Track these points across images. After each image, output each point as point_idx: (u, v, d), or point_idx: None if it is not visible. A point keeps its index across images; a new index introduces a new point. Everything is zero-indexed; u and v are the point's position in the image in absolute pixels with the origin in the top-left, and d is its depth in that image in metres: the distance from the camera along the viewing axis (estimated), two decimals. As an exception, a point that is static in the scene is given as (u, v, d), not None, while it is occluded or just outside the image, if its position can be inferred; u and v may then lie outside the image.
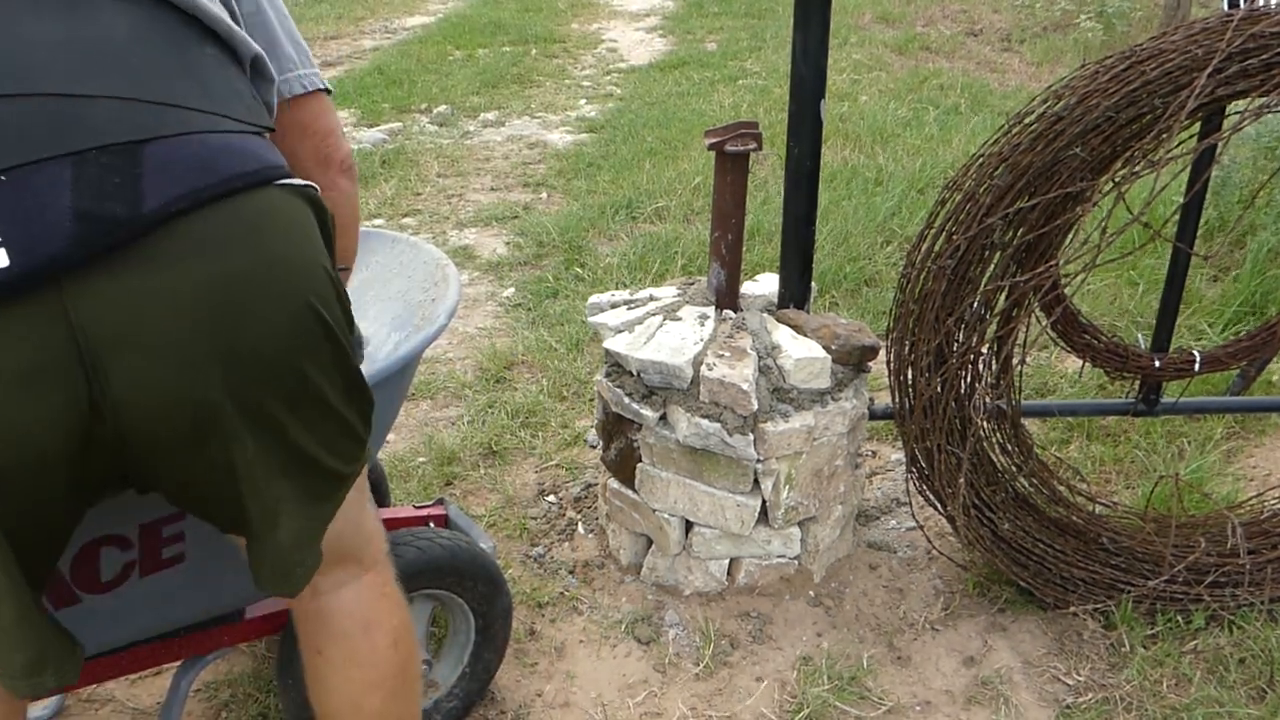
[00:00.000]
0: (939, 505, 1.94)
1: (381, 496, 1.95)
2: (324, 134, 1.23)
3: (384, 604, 1.20)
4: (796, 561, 1.99)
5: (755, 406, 1.79)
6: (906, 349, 1.81)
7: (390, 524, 1.74)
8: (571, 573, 2.07)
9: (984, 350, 1.80)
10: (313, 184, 0.95)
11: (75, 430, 0.82)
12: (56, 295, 0.77)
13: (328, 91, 1.24)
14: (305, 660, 1.21)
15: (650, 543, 2.03)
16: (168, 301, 0.81)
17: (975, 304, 1.74)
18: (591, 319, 2.05)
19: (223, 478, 0.92)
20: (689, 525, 1.97)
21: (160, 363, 0.82)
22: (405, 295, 1.64)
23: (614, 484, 2.04)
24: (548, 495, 2.32)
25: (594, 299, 2.13)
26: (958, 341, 1.76)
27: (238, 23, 1.03)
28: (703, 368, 1.83)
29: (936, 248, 1.73)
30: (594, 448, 2.42)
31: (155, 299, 0.80)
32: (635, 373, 1.89)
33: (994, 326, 1.79)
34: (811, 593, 2.00)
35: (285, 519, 0.98)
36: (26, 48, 0.79)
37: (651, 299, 2.09)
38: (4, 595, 0.87)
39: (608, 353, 1.95)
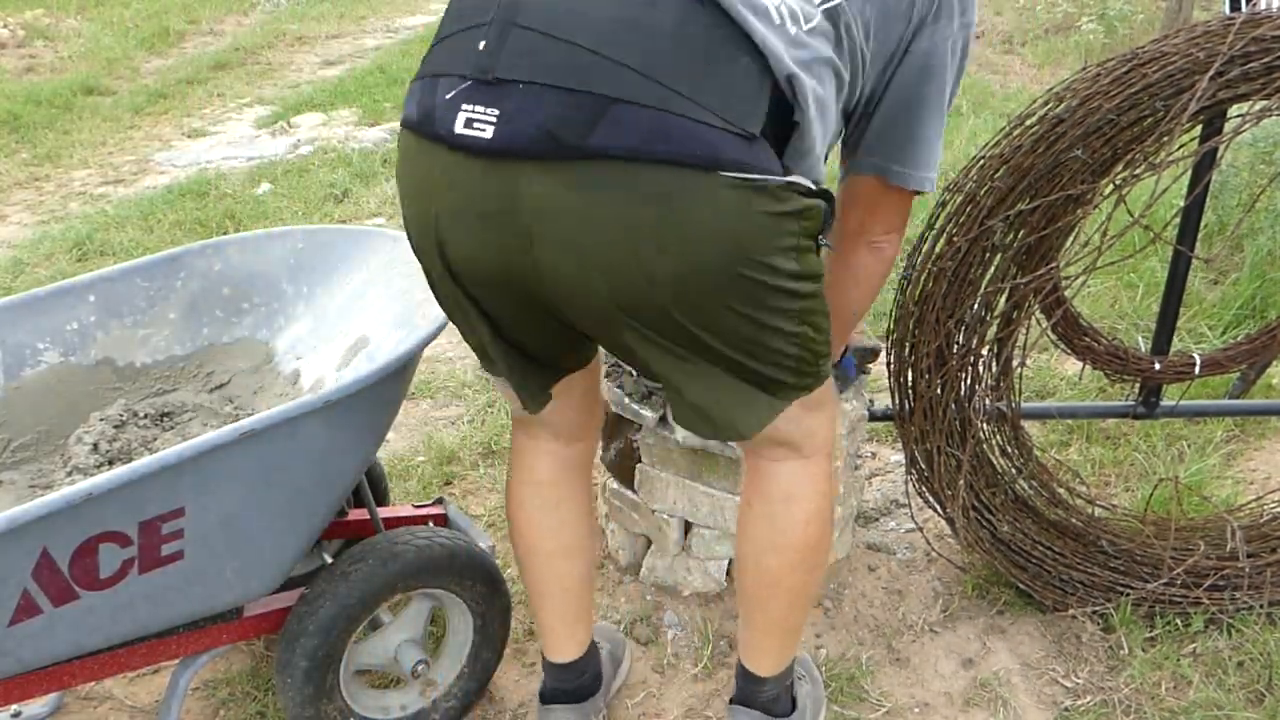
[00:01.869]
0: (938, 507, 1.94)
1: (381, 496, 1.95)
2: (880, 220, 1.42)
3: (810, 485, 1.38)
4: (795, 562, 1.98)
5: (755, 407, 1.79)
6: (906, 350, 1.81)
7: (389, 523, 1.74)
8: (570, 573, 2.07)
9: (984, 352, 1.80)
10: (781, 179, 1.09)
11: (513, 269, 1.13)
12: (520, 171, 1.06)
13: (917, 192, 1.41)
14: (740, 508, 1.46)
15: (649, 543, 2.03)
16: (578, 215, 1.06)
17: (975, 306, 1.74)
18: (592, 319, 2.05)
19: (621, 351, 1.26)
20: (688, 526, 1.97)
21: (565, 256, 1.09)
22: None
23: (613, 484, 2.04)
24: (547, 495, 2.32)
25: (594, 299, 2.12)
26: (958, 343, 1.76)
27: (855, 65, 1.20)
28: (703, 368, 1.82)
29: (937, 249, 1.73)
30: (593, 448, 2.42)
31: (571, 210, 1.06)
32: (635, 373, 1.89)
33: (994, 328, 1.79)
34: (810, 594, 2.00)
35: (688, 389, 1.22)
36: (593, 16, 1.05)
37: (652, 299, 2.09)
38: (498, 355, 1.31)
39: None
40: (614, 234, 1.06)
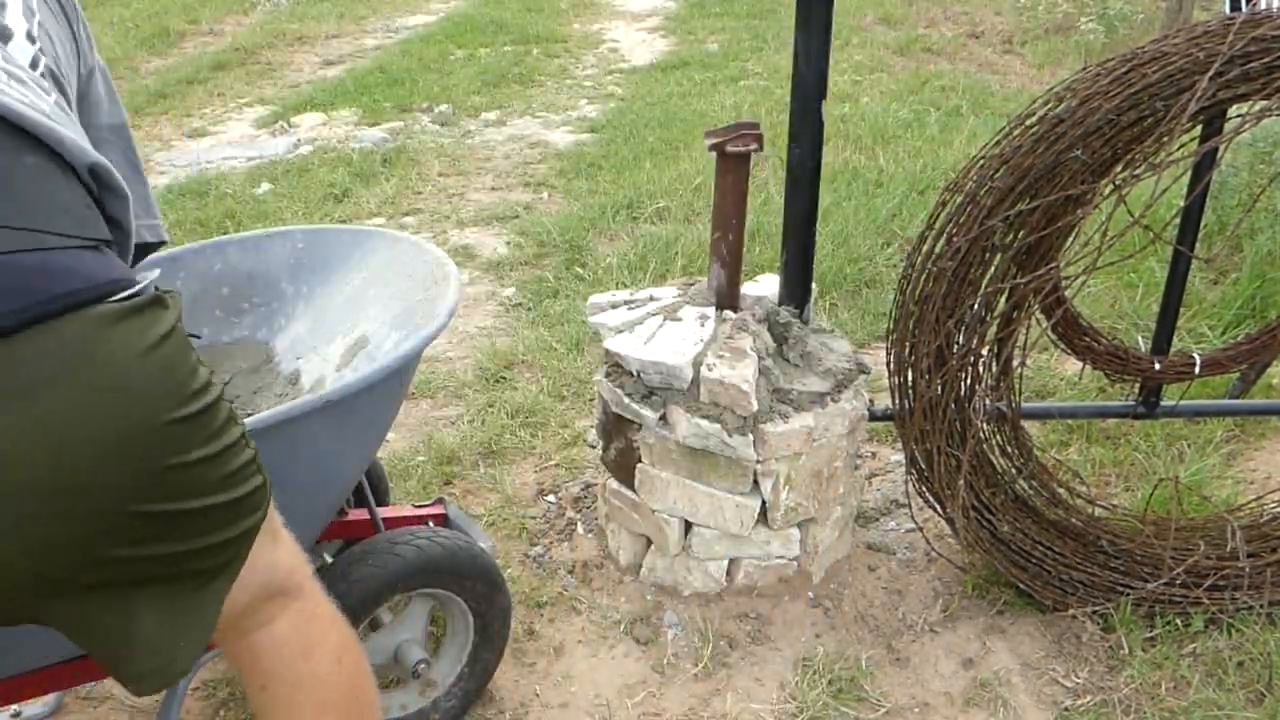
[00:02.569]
0: (938, 507, 1.94)
1: (381, 495, 1.95)
2: None
3: (317, 625, 1.13)
4: (795, 562, 1.99)
5: (755, 407, 1.79)
6: (906, 350, 1.81)
7: (389, 523, 1.74)
8: (570, 573, 2.07)
9: (984, 352, 1.80)
10: (159, 288, 0.87)
11: None
12: None
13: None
14: (252, 700, 1.13)
15: (649, 543, 2.03)
16: None
17: (975, 306, 1.74)
18: (591, 319, 2.05)
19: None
20: (688, 526, 1.97)
21: None
22: (406, 294, 1.64)
23: (614, 484, 2.04)
24: (547, 495, 2.32)
25: (594, 299, 2.13)
26: (958, 343, 1.76)
27: (81, 115, 0.96)
28: (703, 368, 1.83)
29: (937, 249, 1.73)
30: (594, 448, 2.42)
31: None
32: (635, 373, 1.89)
33: (994, 328, 1.79)
34: (810, 594, 2.00)
35: (141, 627, 0.91)
36: None
37: (652, 299, 2.09)
38: None
39: (608, 353, 1.95)
40: (22, 447, 0.76)
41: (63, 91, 0.93)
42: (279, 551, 1.09)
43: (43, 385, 0.75)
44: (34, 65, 0.90)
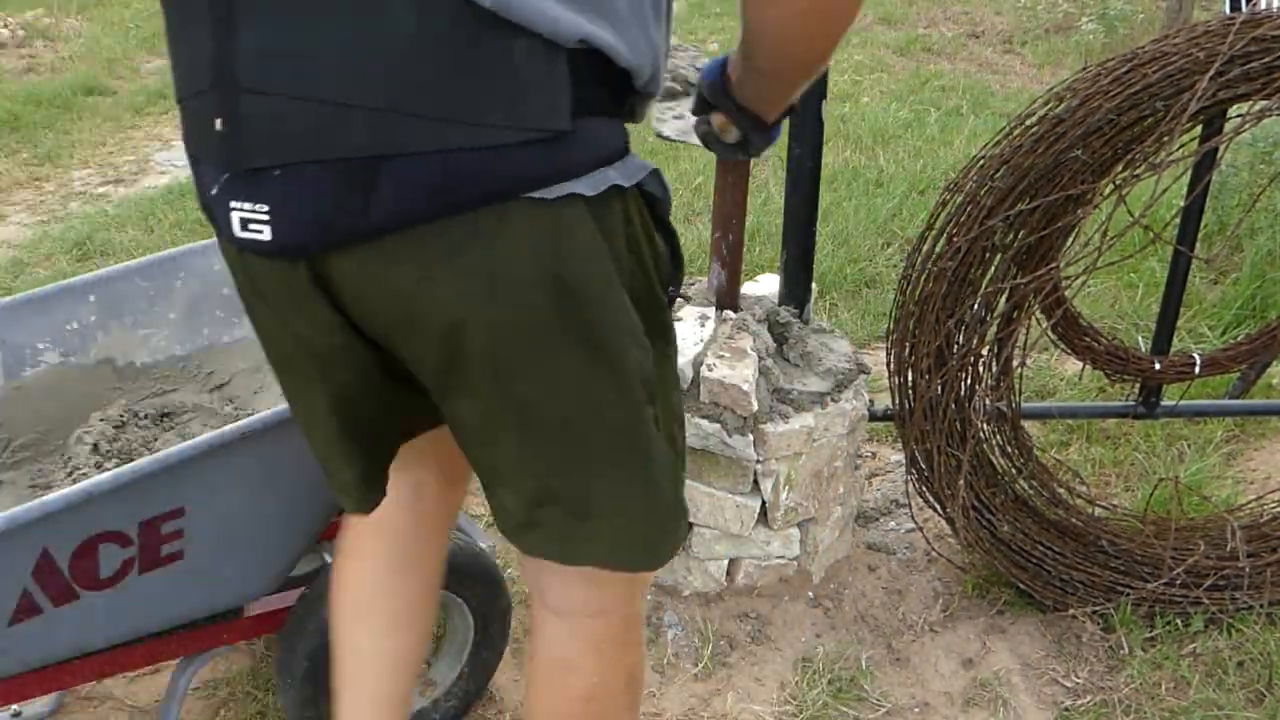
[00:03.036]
0: (938, 507, 1.94)
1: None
2: None
3: (593, 656, 1.13)
4: (796, 562, 1.99)
5: (755, 407, 1.79)
6: (907, 351, 1.81)
7: (389, 523, 1.74)
8: (570, 572, 2.07)
9: (984, 352, 1.80)
10: (578, 192, 0.91)
11: (340, 342, 0.98)
12: (310, 265, 0.91)
13: None
14: (530, 665, 1.19)
15: (649, 543, 2.03)
16: (385, 296, 0.92)
17: (976, 306, 1.74)
18: (592, 319, 2.05)
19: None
20: (688, 526, 1.97)
21: (387, 332, 0.95)
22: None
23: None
24: (547, 495, 2.31)
25: (594, 299, 2.12)
26: (958, 343, 1.76)
27: None
28: (703, 368, 1.83)
29: (937, 249, 1.73)
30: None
31: (376, 292, 0.92)
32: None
33: (994, 328, 1.79)
34: (810, 594, 2.00)
35: (523, 484, 1.04)
36: (317, 49, 0.84)
37: (652, 299, 2.09)
38: (321, 431, 1.07)
39: (608, 353, 1.94)
40: (429, 306, 0.91)
41: None
42: (609, 575, 1.09)
43: (460, 259, 0.88)
44: None
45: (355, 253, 0.89)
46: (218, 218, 0.93)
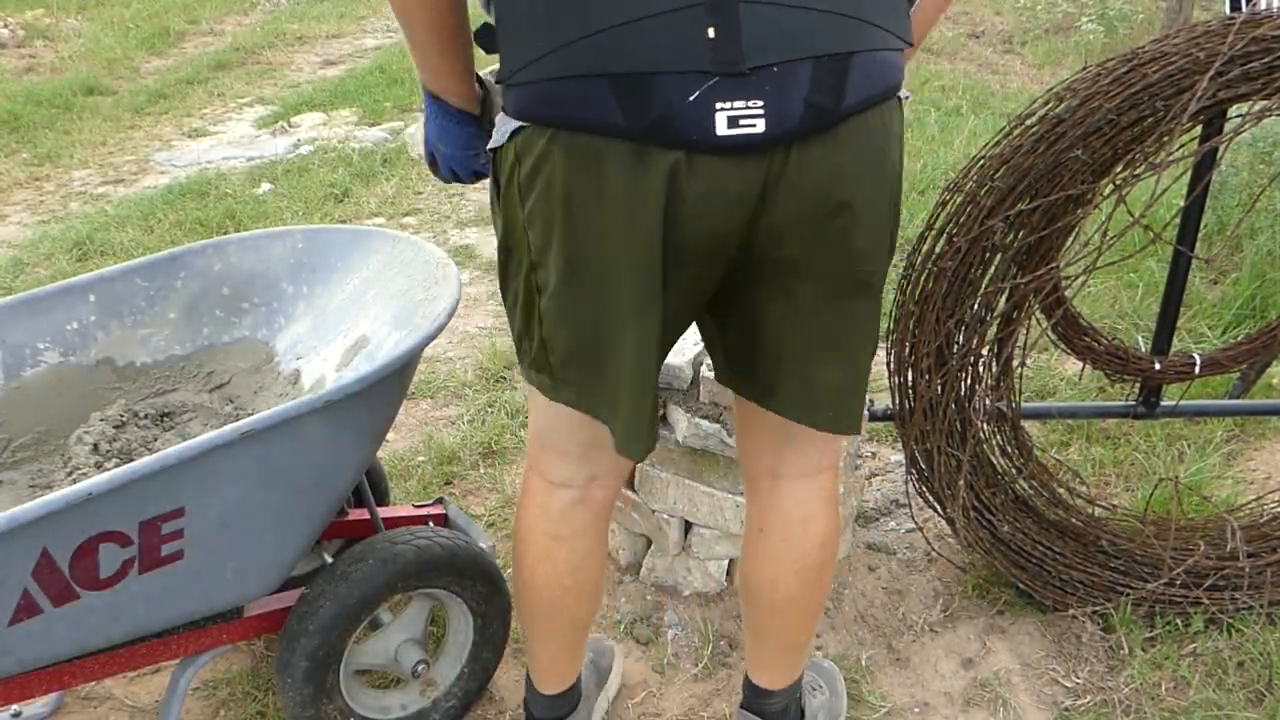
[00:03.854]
0: (938, 507, 1.94)
1: (381, 495, 1.95)
2: None
3: (824, 505, 1.39)
4: (795, 562, 1.98)
5: (755, 407, 1.79)
6: (906, 351, 1.81)
7: (390, 523, 1.74)
8: (570, 572, 2.07)
9: (984, 352, 1.80)
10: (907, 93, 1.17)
11: (746, 237, 1.12)
12: (783, 153, 1.06)
13: None
14: (746, 534, 1.45)
15: (649, 543, 2.03)
16: (835, 174, 1.08)
17: (975, 306, 1.74)
18: (592, 319, 2.05)
19: (782, 307, 1.22)
20: (688, 526, 1.97)
21: (798, 214, 1.10)
22: (406, 294, 1.64)
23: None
24: (547, 495, 2.31)
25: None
26: (958, 343, 1.76)
27: None
28: (702, 368, 1.83)
29: (937, 249, 1.73)
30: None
31: (830, 170, 1.08)
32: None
33: (994, 328, 1.79)
34: (810, 594, 2.00)
35: (831, 366, 1.23)
36: None
37: (652, 299, 2.09)
38: (637, 357, 1.17)
39: (608, 353, 1.94)
40: (849, 177, 1.09)
41: None
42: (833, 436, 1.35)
43: (876, 139, 1.10)
44: None
45: (819, 141, 1.06)
46: (683, 124, 1.02)
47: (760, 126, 1.02)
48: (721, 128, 1.01)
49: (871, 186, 1.11)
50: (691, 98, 1.00)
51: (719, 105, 1.01)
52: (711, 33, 1.00)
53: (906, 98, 1.18)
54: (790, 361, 1.21)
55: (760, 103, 1.01)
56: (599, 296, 1.13)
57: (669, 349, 1.25)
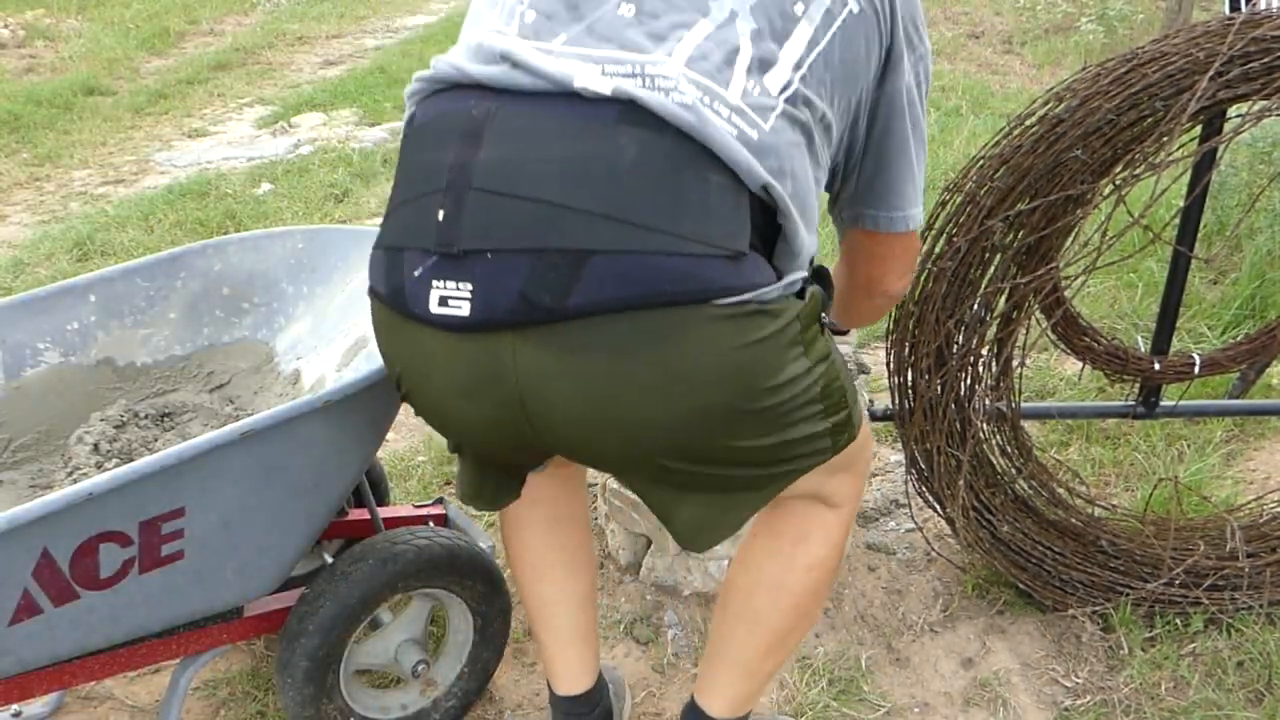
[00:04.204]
0: (938, 507, 1.94)
1: (381, 495, 1.95)
2: (891, 269, 1.39)
3: (824, 533, 1.35)
4: (795, 562, 1.98)
5: (755, 407, 1.79)
6: (906, 351, 1.81)
7: (390, 523, 1.74)
8: (570, 572, 2.07)
9: (984, 352, 1.80)
10: (776, 289, 1.05)
11: (509, 434, 1.11)
12: (501, 341, 1.02)
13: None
14: (746, 537, 1.41)
15: (649, 543, 2.03)
16: (570, 379, 1.02)
17: (975, 306, 1.74)
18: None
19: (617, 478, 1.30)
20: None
21: (561, 420, 1.06)
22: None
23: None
24: (547, 495, 2.32)
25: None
26: (958, 343, 1.76)
27: (825, 135, 1.15)
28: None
29: (937, 249, 1.73)
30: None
31: (561, 374, 1.02)
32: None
33: (994, 329, 1.79)
34: (810, 594, 2.00)
35: (681, 510, 1.18)
36: (546, 164, 1.00)
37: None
38: (470, 465, 1.33)
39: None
40: (611, 392, 1.02)
41: (814, 111, 1.11)
42: (839, 479, 1.31)
43: (647, 349, 1.00)
44: (784, 89, 1.08)
45: (540, 335, 1.00)
46: (409, 297, 1.05)
47: (465, 310, 1.01)
48: (434, 305, 1.03)
49: (639, 395, 1.01)
50: (417, 273, 1.04)
51: (434, 283, 1.03)
52: (440, 214, 1.03)
53: (755, 302, 1.04)
54: (651, 509, 1.22)
55: (469, 286, 1.01)
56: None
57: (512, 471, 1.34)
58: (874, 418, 2.00)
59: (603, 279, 0.97)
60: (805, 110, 1.10)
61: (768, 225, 1.08)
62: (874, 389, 2.59)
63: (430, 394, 1.14)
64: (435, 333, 1.05)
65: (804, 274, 1.12)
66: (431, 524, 1.79)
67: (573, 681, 1.53)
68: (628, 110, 1.00)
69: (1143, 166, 1.60)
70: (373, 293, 1.15)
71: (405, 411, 2.65)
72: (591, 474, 2.35)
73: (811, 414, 1.13)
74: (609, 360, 1.00)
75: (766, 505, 1.21)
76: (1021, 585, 1.92)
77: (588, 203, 0.98)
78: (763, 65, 1.07)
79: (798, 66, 1.08)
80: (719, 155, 1.01)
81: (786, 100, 1.07)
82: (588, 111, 1.01)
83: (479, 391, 1.07)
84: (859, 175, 1.29)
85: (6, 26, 7.17)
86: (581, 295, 0.98)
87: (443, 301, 1.02)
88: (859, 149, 1.26)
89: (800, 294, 1.11)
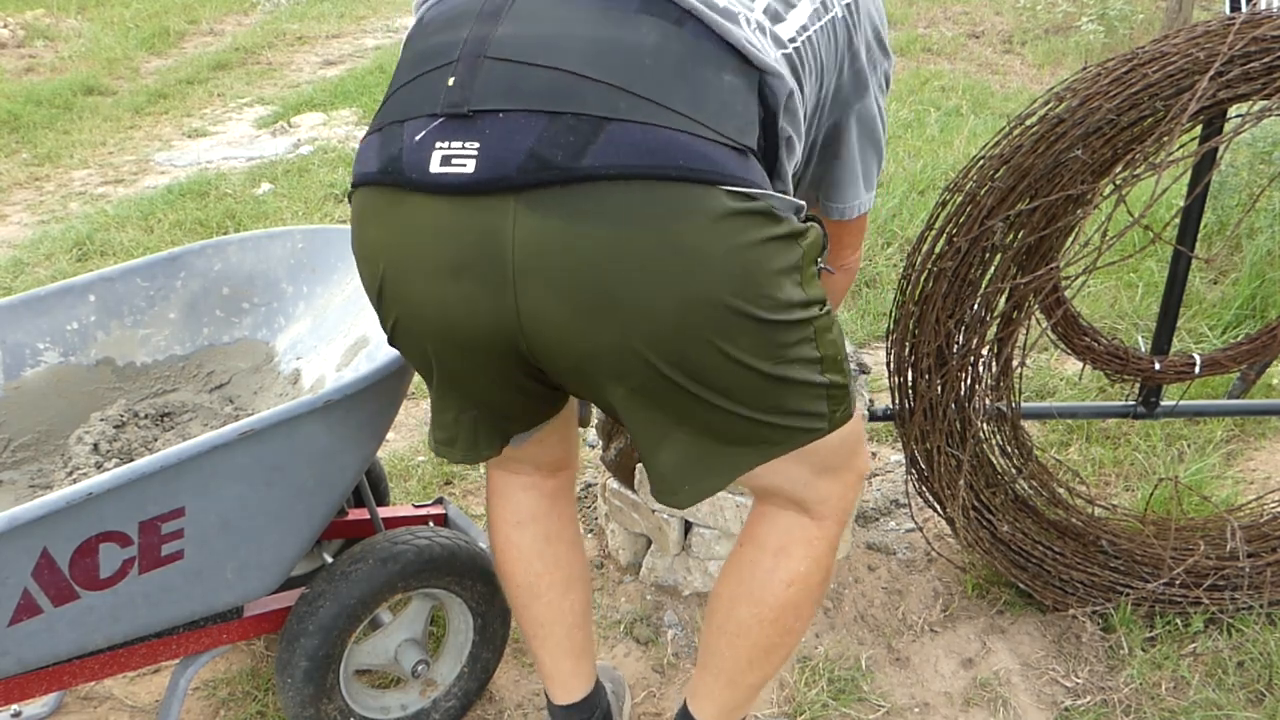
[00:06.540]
0: (938, 507, 1.94)
1: (381, 495, 1.95)
2: (843, 248, 1.47)
3: (806, 547, 1.29)
4: (795, 562, 1.98)
5: (755, 407, 1.79)
6: (906, 351, 1.81)
7: (390, 523, 1.74)
8: (570, 572, 2.07)
9: (984, 352, 1.80)
10: (777, 200, 1.03)
11: (493, 326, 1.04)
12: (504, 207, 0.97)
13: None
14: (734, 545, 1.37)
15: (649, 543, 2.03)
16: (570, 249, 0.97)
17: (975, 306, 1.74)
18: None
19: (603, 404, 1.14)
20: (688, 525, 1.97)
21: (553, 300, 0.99)
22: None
23: (613, 484, 2.04)
24: (547, 495, 2.32)
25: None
26: (958, 343, 1.76)
27: (806, 108, 1.16)
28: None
29: (937, 249, 1.73)
30: (593, 448, 2.42)
31: (562, 244, 0.97)
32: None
33: (994, 328, 1.79)
34: (810, 594, 2.00)
35: (666, 448, 1.12)
36: (570, 39, 0.99)
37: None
38: (450, 408, 1.23)
39: (608, 353, 1.95)
40: (611, 267, 0.97)
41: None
42: (827, 483, 1.26)
43: (655, 224, 0.96)
44: (790, 42, 1.12)
45: (546, 199, 0.96)
46: (406, 164, 1.00)
47: (470, 167, 0.96)
48: (434, 164, 0.98)
49: (639, 273, 0.97)
50: (418, 138, 1.00)
51: (438, 144, 0.99)
52: (451, 81, 1.00)
53: (761, 198, 1.02)
54: (637, 442, 1.17)
55: (476, 144, 0.97)
56: (403, 342, 1.18)
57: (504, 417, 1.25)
58: (874, 418, 2.00)
59: (619, 145, 0.95)
60: (798, 70, 1.13)
61: (765, 152, 1.08)
62: (874, 389, 2.59)
63: (413, 285, 1.05)
64: (429, 201, 1.00)
65: (803, 204, 1.10)
66: (431, 524, 1.79)
67: (569, 692, 1.52)
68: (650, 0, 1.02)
69: (1143, 166, 1.59)
70: (358, 182, 1.08)
71: (405, 411, 2.65)
72: (591, 474, 2.35)
73: (808, 358, 1.09)
74: (612, 231, 0.96)
75: (752, 471, 1.16)
76: (1021, 585, 1.92)
77: (607, 76, 0.97)
78: (776, 16, 1.11)
79: (802, 30, 1.13)
80: (735, 46, 1.02)
81: (786, 54, 1.11)
82: None
83: (468, 269, 1.00)
84: (811, 169, 1.34)
85: (6, 26, 7.17)
86: (595, 158, 0.94)
87: (445, 161, 0.98)
88: (815, 146, 1.30)
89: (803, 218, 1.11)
